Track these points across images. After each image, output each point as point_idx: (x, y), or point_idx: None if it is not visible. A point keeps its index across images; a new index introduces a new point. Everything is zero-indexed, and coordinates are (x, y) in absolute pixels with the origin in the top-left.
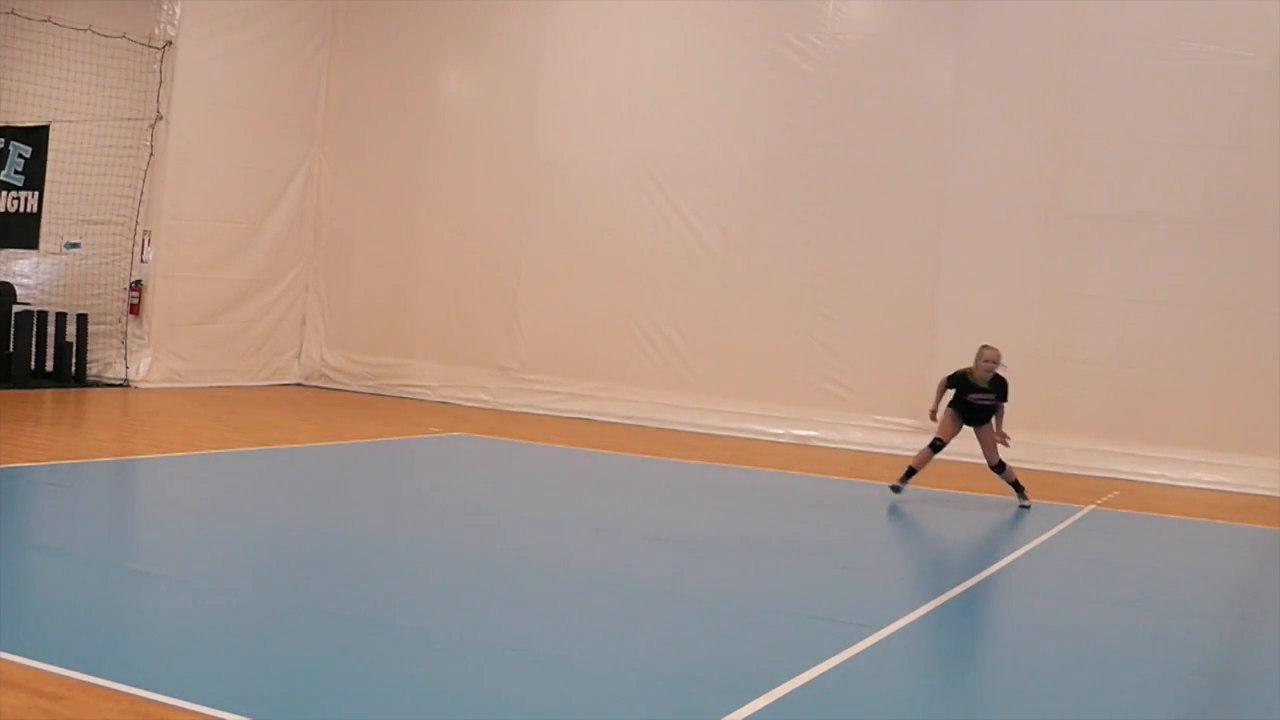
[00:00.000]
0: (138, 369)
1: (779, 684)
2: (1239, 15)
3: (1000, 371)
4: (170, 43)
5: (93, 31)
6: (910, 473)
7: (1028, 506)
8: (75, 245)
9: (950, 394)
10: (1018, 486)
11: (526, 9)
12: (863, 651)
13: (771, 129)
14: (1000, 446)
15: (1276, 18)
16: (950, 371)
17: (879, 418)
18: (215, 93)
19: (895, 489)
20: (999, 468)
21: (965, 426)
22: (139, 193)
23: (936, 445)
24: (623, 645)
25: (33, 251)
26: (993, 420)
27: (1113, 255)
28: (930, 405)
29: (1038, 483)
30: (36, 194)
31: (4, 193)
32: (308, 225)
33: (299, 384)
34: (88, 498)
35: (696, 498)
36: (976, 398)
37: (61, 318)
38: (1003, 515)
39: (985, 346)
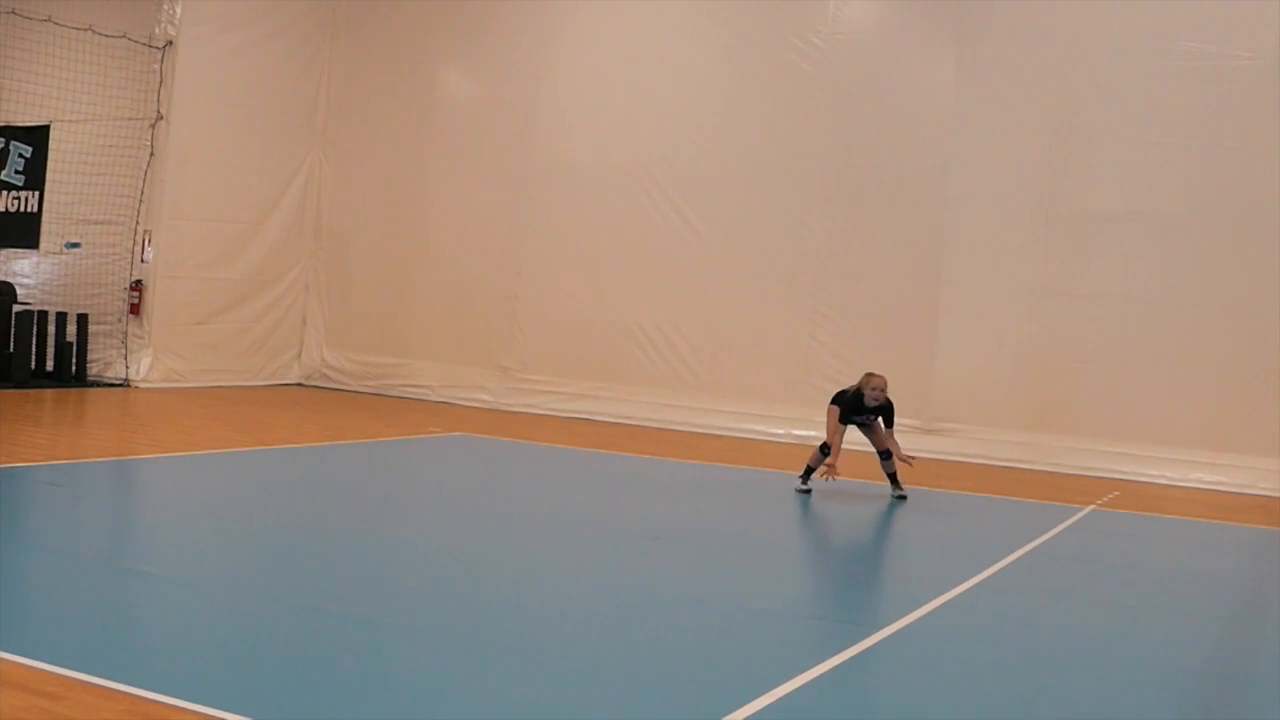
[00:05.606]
0: (138, 369)
1: (779, 684)
2: (1239, 15)
3: (889, 396)
4: (170, 42)
5: (93, 31)
6: (809, 471)
7: (903, 497)
8: (75, 245)
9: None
10: (894, 477)
11: (527, 9)
12: (863, 651)
13: (771, 129)
14: (903, 466)
15: (1276, 18)
16: (839, 392)
17: None
18: (215, 92)
19: (801, 490)
20: (887, 455)
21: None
22: (139, 192)
23: (826, 449)
24: (622, 645)
25: (33, 251)
26: (880, 429)
27: (1113, 255)
28: (829, 437)
29: (1038, 483)
30: (37, 194)
31: (4, 192)
32: (308, 225)
33: (299, 384)
34: (88, 498)
35: (697, 498)
36: (862, 418)
37: (62, 317)
38: (1001, 516)
39: (871, 375)
